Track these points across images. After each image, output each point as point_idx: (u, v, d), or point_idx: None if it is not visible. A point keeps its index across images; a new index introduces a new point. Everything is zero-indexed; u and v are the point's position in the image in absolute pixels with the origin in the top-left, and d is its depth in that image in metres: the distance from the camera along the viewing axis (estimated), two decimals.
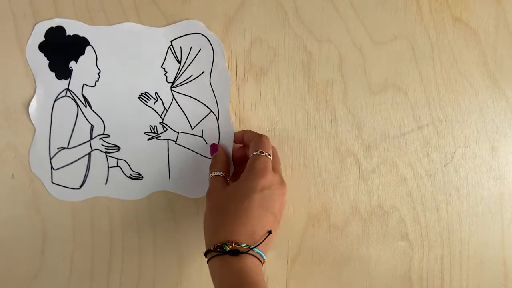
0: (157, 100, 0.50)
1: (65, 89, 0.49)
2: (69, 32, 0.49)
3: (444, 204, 0.53)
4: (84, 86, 0.50)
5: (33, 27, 0.48)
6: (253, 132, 0.48)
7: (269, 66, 0.50)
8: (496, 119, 0.52)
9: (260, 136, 0.46)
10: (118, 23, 0.49)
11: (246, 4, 0.49)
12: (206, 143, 0.51)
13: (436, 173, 0.52)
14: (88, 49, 0.49)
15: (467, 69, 0.51)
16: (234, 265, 0.39)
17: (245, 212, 0.41)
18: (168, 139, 0.51)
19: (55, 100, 0.50)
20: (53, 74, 0.49)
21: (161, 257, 0.52)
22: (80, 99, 0.50)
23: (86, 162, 0.50)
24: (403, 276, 0.53)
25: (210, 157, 0.50)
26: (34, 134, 0.50)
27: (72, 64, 0.49)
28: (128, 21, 0.49)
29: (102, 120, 0.50)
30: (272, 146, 0.47)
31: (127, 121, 0.50)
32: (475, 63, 0.51)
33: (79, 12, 0.49)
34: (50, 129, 0.50)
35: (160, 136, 0.50)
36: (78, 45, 0.49)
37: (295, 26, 0.50)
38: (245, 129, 0.50)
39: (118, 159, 0.51)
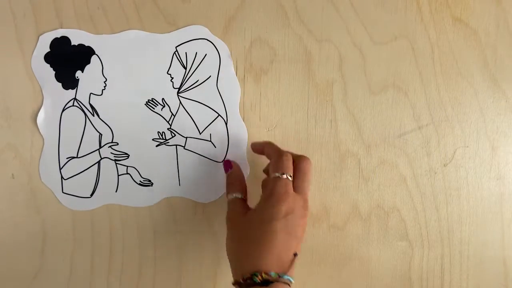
0: (164, 106, 0.50)
1: (72, 99, 0.50)
2: (74, 42, 0.49)
3: (444, 204, 0.53)
4: (91, 95, 0.50)
5: (38, 37, 0.48)
6: (274, 146, 0.46)
7: (269, 66, 0.50)
8: (496, 119, 0.52)
9: (280, 155, 0.44)
10: (122, 31, 0.49)
11: (246, 3, 0.49)
12: (215, 147, 0.51)
13: (436, 173, 0.52)
14: (93, 58, 0.49)
15: (467, 69, 0.51)
16: None
17: (270, 240, 0.40)
18: (176, 145, 0.51)
19: (63, 110, 0.50)
20: (60, 84, 0.49)
21: (161, 257, 0.52)
22: (88, 108, 0.50)
23: (96, 171, 0.50)
24: (403, 276, 0.53)
25: (219, 161, 0.51)
26: (43, 145, 0.50)
27: (78, 73, 0.49)
28: (127, 20, 0.49)
29: (110, 128, 0.50)
30: (305, 160, 0.45)
31: (135, 128, 0.50)
32: (475, 63, 0.51)
33: (78, 10, 0.49)
34: (59, 139, 0.50)
35: (168, 142, 0.50)
36: (84, 54, 0.49)
37: (295, 26, 0.50)
38: (265, 140, 0.49)
39: (127, 166, 0.51)
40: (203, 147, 0.51)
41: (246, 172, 0.51)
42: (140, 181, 0.51)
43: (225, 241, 0.45)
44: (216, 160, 0.51)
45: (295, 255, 0.41)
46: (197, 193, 0.51)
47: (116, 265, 0.52)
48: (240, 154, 0.51)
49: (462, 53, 0.51)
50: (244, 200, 0.46)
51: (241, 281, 0.40)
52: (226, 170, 0.49)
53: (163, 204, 0.52)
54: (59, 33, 0.49)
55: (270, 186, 0.43)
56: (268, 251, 0.40)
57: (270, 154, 0.46)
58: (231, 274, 0.41)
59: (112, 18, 0.49)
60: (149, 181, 0.51)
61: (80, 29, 0.49)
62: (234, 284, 0.42)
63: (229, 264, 0.43)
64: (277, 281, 0.39)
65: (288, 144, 0.51)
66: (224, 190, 0.51)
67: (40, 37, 0.49)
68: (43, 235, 0.51)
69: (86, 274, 0.52)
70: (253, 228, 0.42)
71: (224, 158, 0.51)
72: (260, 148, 0.48)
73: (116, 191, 0.51)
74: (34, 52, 0.49)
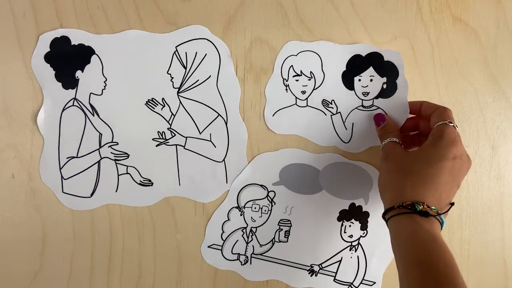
0: (164, 106, 0.50)
1: (72, 99, 0.50)
2: (74, 41, 0.49)
3: None
4: (91, 95, 0.50)
5: (37, 37, 0.48)
6: (433, 103, 0.47)
7: (269, 66, 0.50)
8: (496, 119, 0.52)
9: (445, 108, 0.45)
10: (122, 31, 0.49)
11: (246, 3, 0.49)
12: (215, 147, 0.51)
13: None
14: (93, 58, 0.49)
15: (467, 69, 0.51)
16: (424, 226, 0.40)
17: (435, 177, 0.41)
18: (176, 145, 0.51)
19: (63, 110, 0.50)
20: (60, 84, 0.49)
21: (161, 257, 0.52)
22: (88, 108, 0.50)
23: (96, 170, 0.50)
24: None
25: (219, 161, 0.51)
26: (43, 145, 0.50)
27: (78, 73, 0.49)
28: (127, 20, 0.49)
29: (110, 128, 0.50)
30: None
31: (135, 128, 0.50)
32: (475, 63, 0.51)
33: (78, 10, 0.49)
34: (59, 139, 0.50)
35: (168, 142, 0.50)
36: (84, 54, 0.49)
37: (295, 26, 0.50)
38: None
39: (127, 166, 0.51)
40: (203, 147, 0.51)
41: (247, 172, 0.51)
42: (140, 181, 0.51)
43: (380, 174, 0.47)
44: (216, 160, 0.51)
45: (452, 204, 0.42)
46: (197, 193, 0.51)
47: (116, 265, 0.52)
48: (240, 153, 0.51)
49: (462, 53, 0.51)
50: (400, 143, 0.46)
51: (396, 206, 0.41)
52: (378, 123, 0.49)
53: (163, 204, 0.52)
54: (59, 33, 0.49)
55: (438, 131, 0.44)
56: (431, 187, 0.41)
57: (430, 109, 0.47)
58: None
59: (112, 18, 0.49)
60: (149, 181, 0.51)
61: (80, 29, 0.49)
62: (385, 212, 0.43)
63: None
64: (434, 216, 0.40)
65: (288, 144, 0.51)
66: (224, 190, 0.51)
67: (40, 37, 0.49)
68: (43, 235, 0.51)
69: (86, 274, 0.52)
70: (418, 165, 0.42)
71: (225, 157, 0.51)
72: (416, 107, 0.48)
73: (116, 191, 0.51)
74: (34, 52, 0.49)
